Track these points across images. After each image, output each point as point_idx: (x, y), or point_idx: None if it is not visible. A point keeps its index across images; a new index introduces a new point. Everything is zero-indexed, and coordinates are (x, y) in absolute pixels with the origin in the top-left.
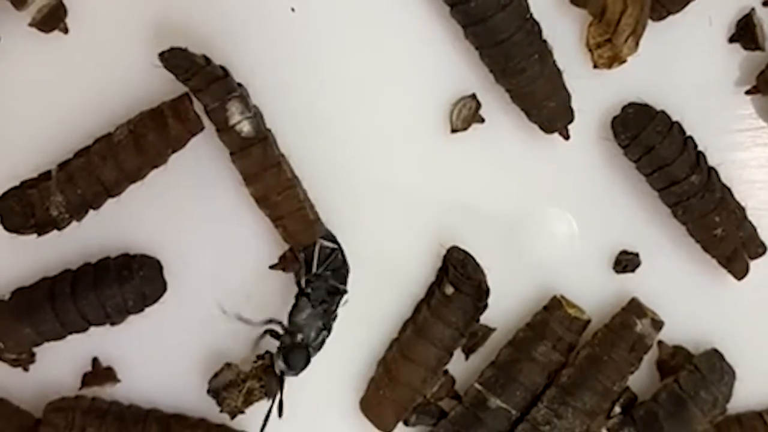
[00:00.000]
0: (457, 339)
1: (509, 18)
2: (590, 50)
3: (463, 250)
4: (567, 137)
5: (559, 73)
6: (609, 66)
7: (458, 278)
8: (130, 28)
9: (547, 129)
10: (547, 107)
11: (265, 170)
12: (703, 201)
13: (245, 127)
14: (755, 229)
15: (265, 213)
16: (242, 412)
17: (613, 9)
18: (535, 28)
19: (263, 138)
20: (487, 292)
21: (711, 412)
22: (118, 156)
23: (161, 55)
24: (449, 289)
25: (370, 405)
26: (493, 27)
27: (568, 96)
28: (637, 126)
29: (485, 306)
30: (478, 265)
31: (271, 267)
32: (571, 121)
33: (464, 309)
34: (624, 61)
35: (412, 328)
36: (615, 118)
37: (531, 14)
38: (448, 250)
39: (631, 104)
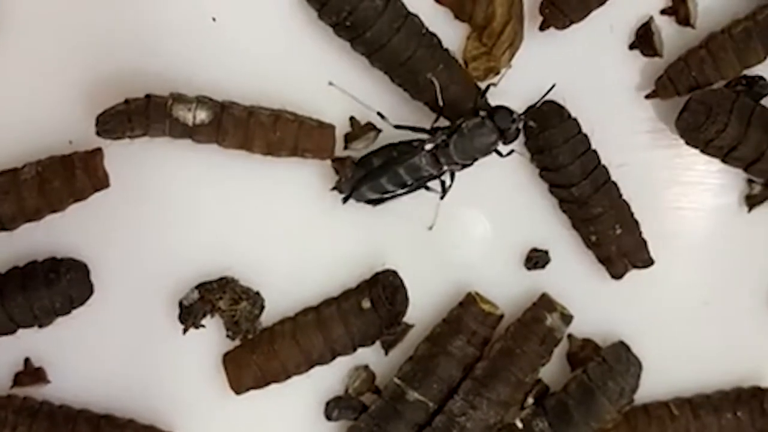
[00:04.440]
0: (347, 349)
1: (406, 38)
2: (466, 63)
3: (400, 278)
4: None
5: (469, 76)
6: (484, 77)
7: (381, 301)
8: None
9: None
10: (462, 111)
11: (247, 127)
12: (581, 211)
13: (201, 115)
14: (644, 243)
15: (285, 156)
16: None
17: (500, 20)
18: (434, 40)
19: (222, 108)
20: (398, 324)
21: (618, 401)
22: (21, 193)
23: (98, 125)
24: (366, 304)
25: (234, 361)
26: (393, 49)
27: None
28: (543, 125)
29: (388, 334)
30: (407, 298)
31: (334, 188)
32: None
33: (370, 327)
34: (497, 73)
35: (313, 317)
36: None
37: (426, 28)
38: (386, 272)
39: (546, 102)
